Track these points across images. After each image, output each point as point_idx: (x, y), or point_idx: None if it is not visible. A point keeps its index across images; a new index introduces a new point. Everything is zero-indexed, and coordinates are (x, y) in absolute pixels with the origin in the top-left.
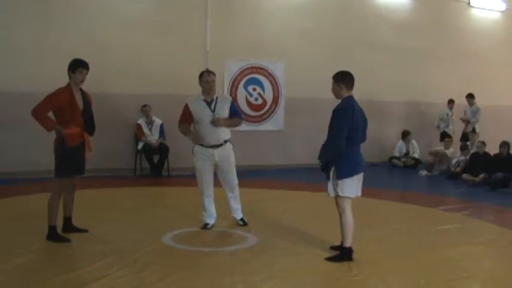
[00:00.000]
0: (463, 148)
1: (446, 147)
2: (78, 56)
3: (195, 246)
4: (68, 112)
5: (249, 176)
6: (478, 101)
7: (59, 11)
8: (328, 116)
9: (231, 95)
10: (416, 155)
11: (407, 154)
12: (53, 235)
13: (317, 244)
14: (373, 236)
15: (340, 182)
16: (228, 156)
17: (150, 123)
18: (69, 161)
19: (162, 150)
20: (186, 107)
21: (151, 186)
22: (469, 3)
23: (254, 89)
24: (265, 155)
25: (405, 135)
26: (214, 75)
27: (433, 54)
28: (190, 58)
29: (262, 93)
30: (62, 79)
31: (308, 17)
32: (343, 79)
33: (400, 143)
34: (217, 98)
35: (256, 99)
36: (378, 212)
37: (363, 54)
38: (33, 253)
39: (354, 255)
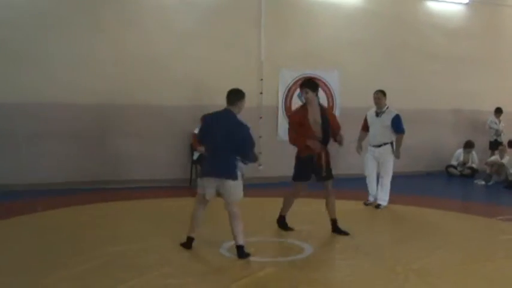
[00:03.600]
0: None
1: (502, 156)
2: (132, 68)
3: (253, 256)
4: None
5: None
6: None
7: (112, 24)
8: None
9: (285, 104)
10: (474, 165)
11: (464, 164)
12: (281, 223)
13: (372, 253)
14: (430, 247)
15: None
16: (384, 154)
17: None
18: (302, 168)
19: None
20: (365, 117)
21: None
22: None
23: None
24: None
25: (469, 145)
26: (382, 93)
27: (487, 62)
28: (245, 69)
29: None
30: (115, 92)
31: (360, 26)
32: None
33: (459, 151)
34: (384, 111)
35: None
36: (434, 222)
37: (416, 63)
38: (89, 263)
39: (413, 266)
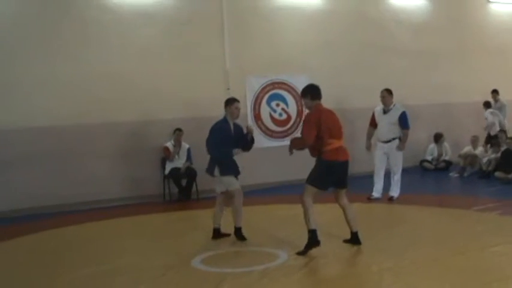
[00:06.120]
0: (494, 145)
1: (475, 147)
2: (97, 86)
3: (226, 267)
4: None
5: (279, 191)
6: (503, 96)
7: (71, 43)
8: (354, 125)
9: (254, 112)
10: (447, 158)
11: (439, 157)
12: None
13: (346, 258)
14: (406, 243)
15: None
16: (393, 148)
17: (177, 146)
18: None
19: (189, 174)
20: (373, 114)
21: (181, 210)
22: None
23: (277, 105)
24: (294, 169)
25: (438, 138)
26: (387, 92)
27: (455, 54)
28: (211, 79)
29: (286, 108)
30: (81, 112)
31: (324, 27)
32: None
33: (432, 145)
34: (392, 108)
35: (280, 114)
36: (409, 217)
37: (384, 61)
38: (64, 285)
39: (388, 265)
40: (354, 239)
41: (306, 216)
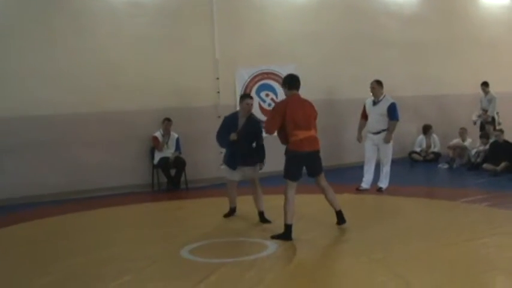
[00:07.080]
0: (482, 137)
1: (463, 139)
2: (88, 76)
3: (214, 258)
4: None
5: (268, 182)
6: (493, 88)
7: (64, 33)
8: (343, 115)
9: None
10: (436, 149)
11: (428, 149)
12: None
13: (335, 248)
14: (395, 234)
15: None
16: (382, 140)
17: (166, 136)
18: None
19: (178, 163)
20: (364, 106)
21: (170, 200)
22: None
23: (267, 95)
24: (282, 160)
25: (426, 129)
26: (377, 83)
27: (444, 46)
28: (200, 69)
29: (275, 98)
30: (71, 101)
31: (315, 18)
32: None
33: (421, 137)
34: (381, 99)
35: (269, 104)
36: (399, 208)
37: (373, 52)
38: (49, 277)
39: (377, 256)
40: (339, 217)
41: (284, 210)
